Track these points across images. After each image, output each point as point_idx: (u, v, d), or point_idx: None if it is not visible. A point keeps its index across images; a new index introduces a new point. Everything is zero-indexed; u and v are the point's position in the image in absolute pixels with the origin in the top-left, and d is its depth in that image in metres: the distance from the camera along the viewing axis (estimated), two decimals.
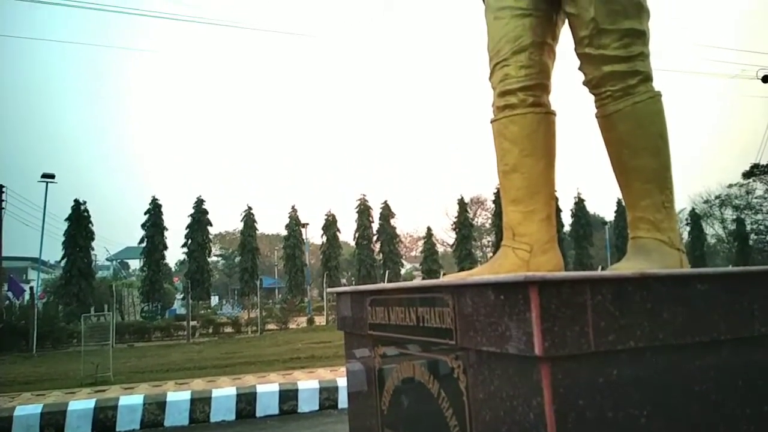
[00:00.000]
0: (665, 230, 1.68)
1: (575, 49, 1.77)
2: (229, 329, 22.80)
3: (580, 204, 33.62)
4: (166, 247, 26.89)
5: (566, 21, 1.82)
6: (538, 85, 1.82)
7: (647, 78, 1.69)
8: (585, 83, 1.78)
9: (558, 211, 27.32)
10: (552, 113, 1.86)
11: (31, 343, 17.48)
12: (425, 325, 1.39)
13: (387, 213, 30.78)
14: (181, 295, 31.54)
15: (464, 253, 30.85)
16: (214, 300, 40.56)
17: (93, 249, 26.01)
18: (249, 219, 29.23)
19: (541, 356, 0.99)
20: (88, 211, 24.68)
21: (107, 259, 48.31)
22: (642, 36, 1.69)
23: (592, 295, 1.05)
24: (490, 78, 1.90)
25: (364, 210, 30.84)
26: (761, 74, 21.92)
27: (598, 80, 1.72)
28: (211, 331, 22.61)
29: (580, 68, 1.79)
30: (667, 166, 1.70)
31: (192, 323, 21.76)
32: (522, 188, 1.81)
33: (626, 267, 1.56)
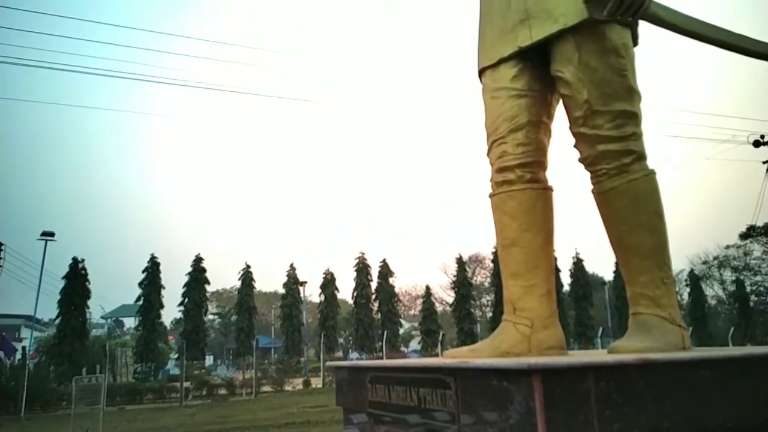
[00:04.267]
0: (665, 306, 1.68)
1: (570, 128, 1.83)
2: (223, 391, 22.23)
3: (578, 264, 33.49)
4: (162, 306, 26.55)
5: (561, 100, 1.89)
6: (534, 162, 1.87)
7: (641, 157, 1.74)
8: (581, 161, 1.83)
9: (557, 271, 27.22)
10: (549, 189, 1.90)
11: (20, 405, 17.00)
12: (427, 407, 1.37)
13: (386, 271, 30.60)
14: (176, 355, 30.91)
15: (463, 313, 30.48)
16: (209, 360, 39.76)
17: (88, 307, 25.68)
18: (247, 277, 28.99)
19: None
20: (85, 269, 24.51)
21: (102, 317, 47.54)
22: (634, 117, 1.75)
23: (596, 382, 1.04)
24: (487, 154, 1.96)
25: (362, 268, 30.67)
26: (752, 139, 22.62)
27: (593, 158, 1.77)
28: (204, 392, 22.02)
29: (575, 146, 1.84)
30: (664, 243, 1.72)
31: (185, 384, 21.25)
32: (522, 262, 1.83)
33: (628, 345, 1.55)
